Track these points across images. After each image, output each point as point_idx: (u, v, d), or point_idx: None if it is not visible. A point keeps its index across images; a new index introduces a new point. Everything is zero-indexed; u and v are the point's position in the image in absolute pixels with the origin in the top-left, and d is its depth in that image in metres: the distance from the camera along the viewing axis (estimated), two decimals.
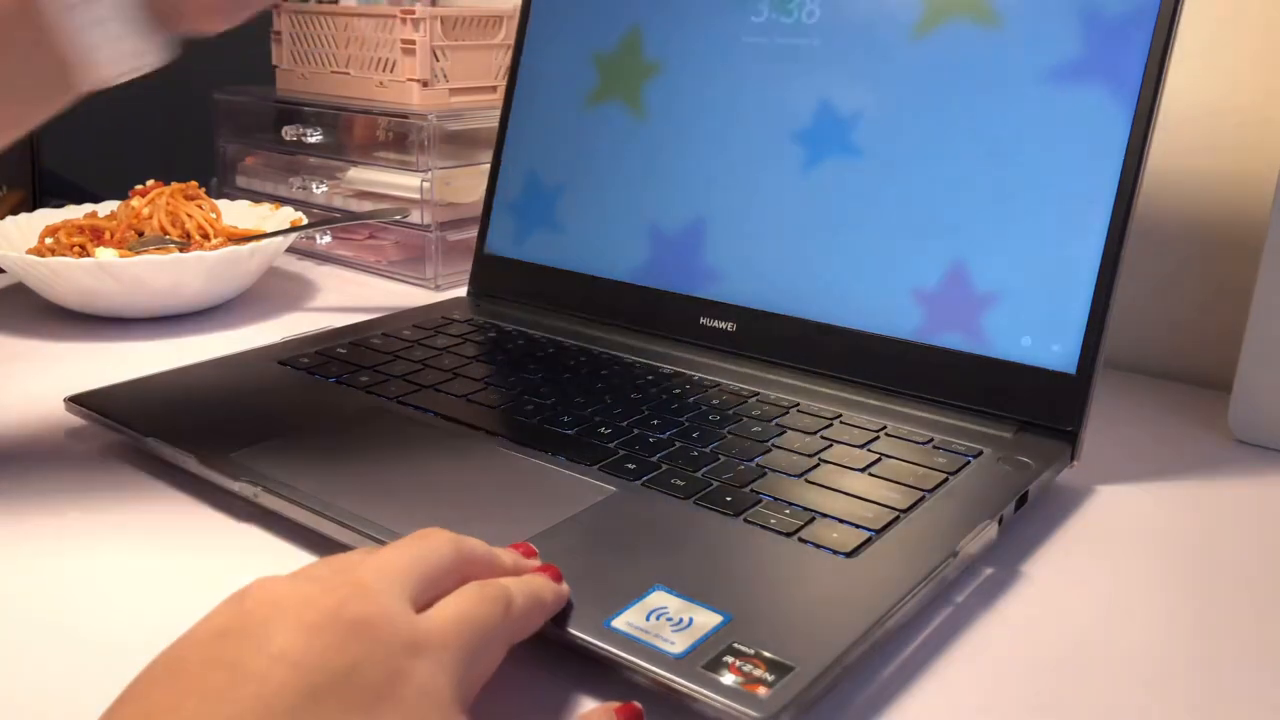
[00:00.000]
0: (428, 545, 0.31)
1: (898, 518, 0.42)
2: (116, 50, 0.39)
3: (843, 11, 0.57)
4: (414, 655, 0.27)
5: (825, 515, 0.42)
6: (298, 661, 0.25)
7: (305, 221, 0.81)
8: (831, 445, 0.48)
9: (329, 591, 0.27)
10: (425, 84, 0.87)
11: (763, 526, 0.41)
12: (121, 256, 0.70)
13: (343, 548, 0.41)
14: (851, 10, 0.57)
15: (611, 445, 0.48)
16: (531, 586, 0.33)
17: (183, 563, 0.42)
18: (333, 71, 0.93)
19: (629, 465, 0.46)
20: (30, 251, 0.74)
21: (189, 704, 0.24)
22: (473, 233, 0.74)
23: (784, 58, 0.59)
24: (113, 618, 0.38)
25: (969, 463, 0.47)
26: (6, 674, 0.35)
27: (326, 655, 0.25)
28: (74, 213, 0.80)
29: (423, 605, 0.29)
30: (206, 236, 0.78)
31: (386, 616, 0.27)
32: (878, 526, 0.41)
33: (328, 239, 0.90)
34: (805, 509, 0.42)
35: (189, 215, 0.79)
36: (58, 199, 0.86)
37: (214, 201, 0.82)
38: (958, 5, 0.54)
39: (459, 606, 0.29)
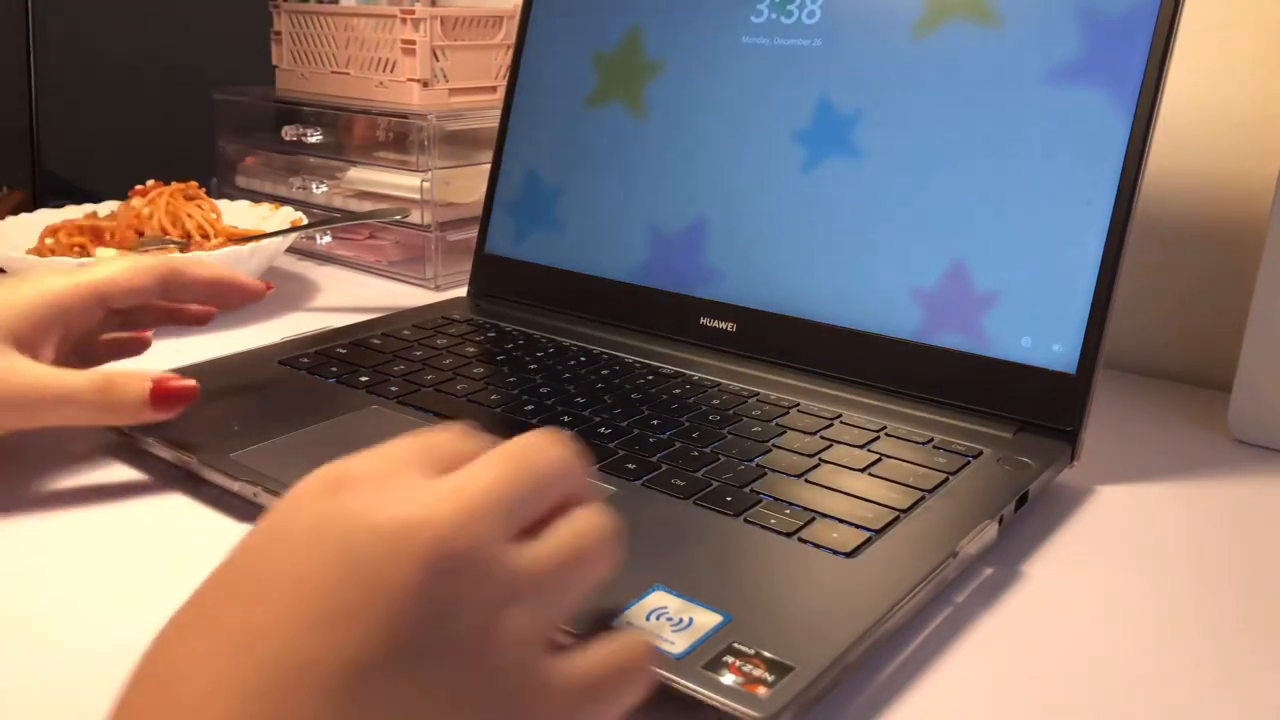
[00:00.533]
0: (545, 457, 0.27)
1: (898, 518, 0.42)
2: None
3: (843, 12, 0.57)
4: (512, 602, 0.24)
5: (825, 515, 0.42)
6: (388, 606, 0.22)
7: (305, 221, 0.81)
8: (831, 445, 0.48)
9: (431, 509, 0.24)
10: (425, 84, 0.87)
11: (763, 526, 0.41)
12: (122, 257, 0.70)
13: None
14: (851, 10, 0.57)
15: (611, 445, 0.48)
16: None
17: (183, 563, 0.42)
18: (333, 71, 0.93)
19: (629, 465, 0.46)
20: (30, 251, 0.74)
21: (292, 625, 0.22)
22: (473, 233, 0.74)
23: (784, 58, 0.59)
24: (113, 617, 0.38)
25: (969, 463, 0.47)
26: (5, 674, 0.35)
27: (422, 599, 0.23)
28: (74, 213, 0.80)
29: (528, 529, 0.26)
30: (206, 236, 0.78)
31: (490, 556, 0.24)
32: (878, 526, 0.41)
33: (328, 239, 0.90)
34: (805, 509, 0.42)
35: (189, 215, 0.79)
36: (58, 199, 0.86)
37: (214, 201, 0.82)
38: (958, 6, 0.54)
39: (572, 542, 0.26)
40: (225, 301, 0.53)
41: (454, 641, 0.23)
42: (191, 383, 0.45)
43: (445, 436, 0.28)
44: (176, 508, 0.46)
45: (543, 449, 0.28)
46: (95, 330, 0.50)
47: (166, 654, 0.23)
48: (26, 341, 0.45)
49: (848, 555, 0.39)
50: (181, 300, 0.52)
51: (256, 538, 0.25)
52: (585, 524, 0.27)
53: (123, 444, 0.51)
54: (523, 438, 0.28)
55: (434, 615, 0.23)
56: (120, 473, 0.49)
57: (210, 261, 0.51)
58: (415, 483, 0.25)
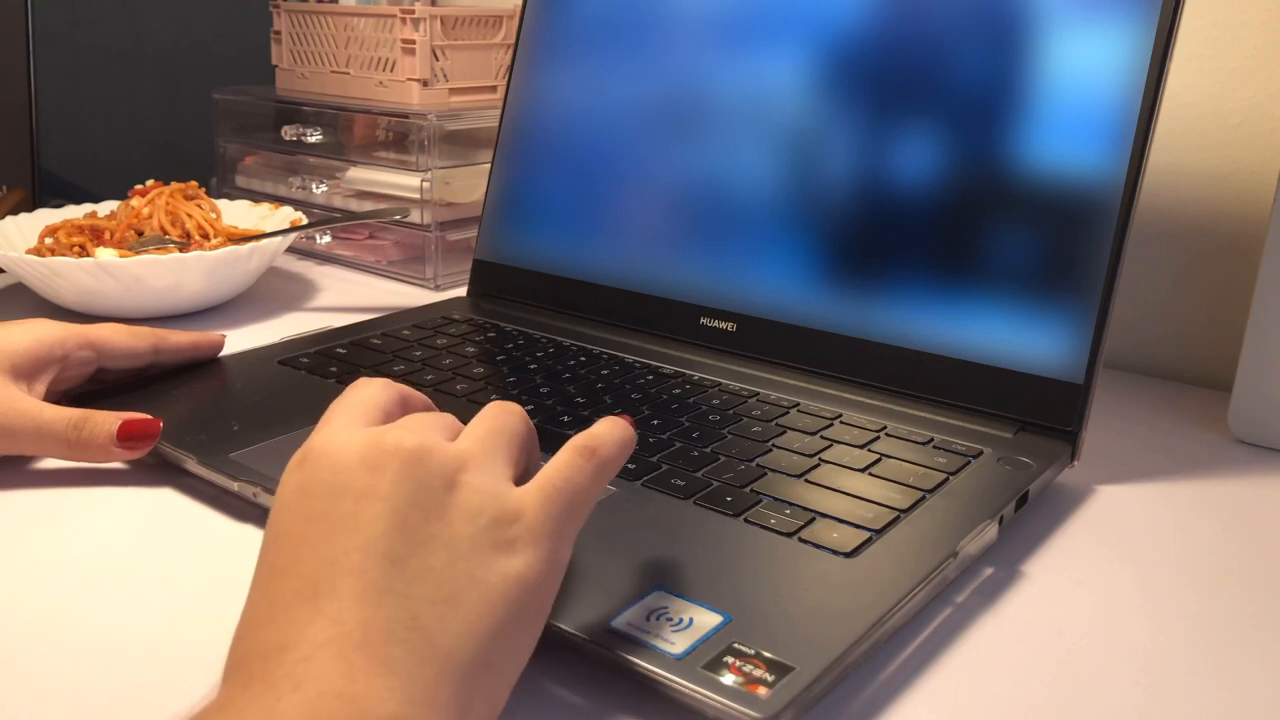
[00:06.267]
0: (442, 417, 0.35)
1: (898, 518, 0.42)
2: None
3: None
4: (463, 470, 0.31)
5: (825, 515, 0.42)
6: (381, 496, 0.30)
7: (305, 221, 0.81)
8: (831, 445, 0.48)
9: (381, 435, 0.31)
10: (425, 84, 0.87)
11: (763, 526, 0.41)
12: (121, 256, 0.70)
13: None
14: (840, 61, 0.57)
15: None
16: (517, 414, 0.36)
17: (182, 563, 0.42)
18: (333, 71, 0.93)
19: (629, 465, 0.46)
20: (30, 251, 0.74)
21: (309, 560, 0.29)
22: (472, 233, 0.74)
23: (779, 59, 0.59)
24: (113, 618, 0.38)
25: (969, 463, 0.47)
26: (5, 674, 0.35)
27: (398, 484, 0.30)
28: (74, 213, 0.80)
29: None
30: (206, 236, 0.78)
31: (433, 443, 0.31)
32: (878, 526, 0.41)
33: (328, 239, 0.90)
34: (805, 509, 0.42)
35: (189, 215, 0.79)
36: (58, 199, 0.86)
37: (214, 201, 0.82)
38: None
39: (481, 425, 0.34)
40: (198, 357, 0.58)
41: (434, 507, 0.30)
42: (156, 421, 0.47)
43: (368, 393, 0.35)
44: (176, 508, 0.46)
45: (443, 415, 0.35)
46: (85, 377, 0.53)
47: (262, 600, 0.29)
48: (24, 374, 0.49)
49: (848, 555, 0.39)
50: (165, 362, 0.56)
51: (272, 521, 0.31)
52: (490, 407, 0.35)
53: None
54: (425, 415, 0.35)
55: (411, 496, 0.30)
56: (120, 472, 0.49)
57: (184, 333, 0.57)
58: (365, 430, 0.32)
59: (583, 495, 0.33)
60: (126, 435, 0.46)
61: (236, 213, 0.85)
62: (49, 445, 0.47)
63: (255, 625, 0.28)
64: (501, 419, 0.34)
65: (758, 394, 0.54)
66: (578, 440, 0.34)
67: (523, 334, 0.64)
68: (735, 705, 0.30)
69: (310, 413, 0.51)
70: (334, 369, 0.57)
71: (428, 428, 0.33)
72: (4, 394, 0.47)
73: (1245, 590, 0.42)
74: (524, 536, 0.30)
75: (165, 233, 0.77)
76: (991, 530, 0.42)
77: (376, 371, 0.57)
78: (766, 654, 0.32)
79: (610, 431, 0.35)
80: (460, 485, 0.31)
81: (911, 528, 0.41)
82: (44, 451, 0.48)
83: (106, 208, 0.82)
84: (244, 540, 0.43)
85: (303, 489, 0.31)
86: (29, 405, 0.47)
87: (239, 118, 0.99)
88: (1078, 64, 0.50)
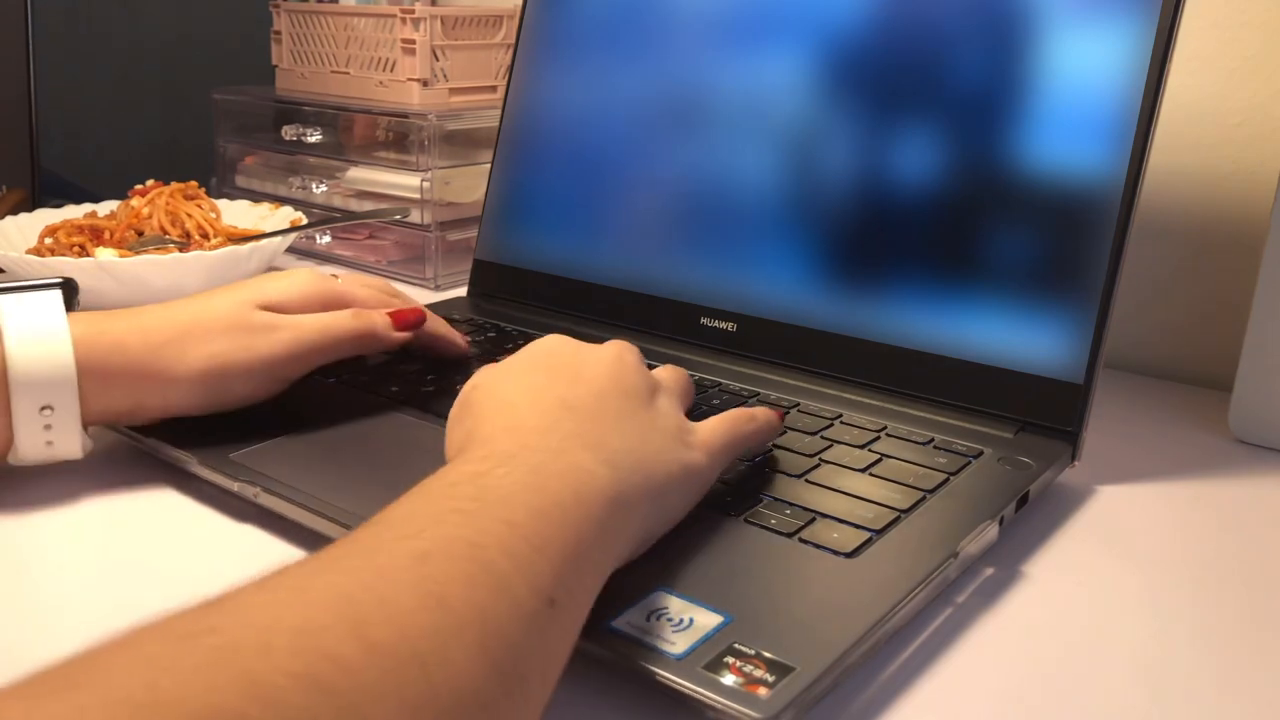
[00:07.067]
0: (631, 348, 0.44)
1: (898, 518, 0.42)
2: (39, 443, 0.45)
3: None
4: (659, 388, 0.42)
5: (825, 515, 0.42)
6: (611, 377, 0.40)
7: (305, 221, 0.81)
8: (832, 445, 0.48)
9: (608, 347, 0.43)
10: (425, 84, 0.87)
11: (763, 527, 0.41)
12: (121, 256, 0.70)
13: None
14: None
15: None
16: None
17: (182, 563, 0.42)
18: (333, 71, 0.93)
19: None
20: (30, 251, 0.75)
21: (556, 391, 0.38)
22: (473, 233, 0.74)
23: (779, 58, 0.59)
24: (112, 618, 0.38)
25: (970, 463, 0.47)
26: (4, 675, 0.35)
27: (622, 376, 0.40)
28: (74, 213, 0.80)
29: None
30: (206, 236, 0.78)
31: (643, 363, 0.43)
32: (878, 527, 0.41)
33: (328, 239, 0.90)
34: (805, 509, 0.42)
35: (189, 215, 0.79)
36: (58, 199, 0.86)
37: (214, 201, 0.82)
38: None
39: (670, 371, 0.45)
40: (438, 352, 0.58)
41: (641, 398, 0.40)
42: (417, 308, 0.55)
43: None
44: (176, 508, 0.46)
45: (630, 347, 0.45)
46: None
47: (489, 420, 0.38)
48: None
49: (848, 555, 0.39)
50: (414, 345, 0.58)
51: (517, 363, 0.41)
52: (673, 368, 0.46)
53: (122, 443, 0.51)
54: (610, 344, 0.45)
55: (628, 388, 0.40)
56: (120, 472, 0.49)
57: (442, 320, 0.58)
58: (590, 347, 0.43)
59: (741, 439, 0.42)
60: (398, 320, 0.54)
61: (236, 213, 0.85)
62: (340, 345, 0.51)
63: (508, 411, 0.37)
64: (684, 379, 0.46)
65: (758, 394, 0.54)
66: (744, 408, 0.44)
67: (523, 334, 0.64)
68: (735, 705, 0.30)
69: (311, 413, 0.51)
70: (334, 369, 0.57)
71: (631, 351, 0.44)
72: (292, 322, 0.50)
73: (1245, 590, 0.42)
74: (698, 444, 0.40)
75: (165, 233, 0.77)
76: (992, 530, 0.42)
77: (378, 372, 0.57)
78: (767, 654, 0.32)
79: (769, 413, 0.45)
80: (657, 398, 0.41)
81: (912, 528, 0.41)
82: (331, 356, 0.51)
83: (106, 208, 0.82)
84: (244, 540, 0.43)
85: (551, 350, 0.41)
86: (305, 321, 0.50)
87: (239, 118, 0.99)
88: (1078, 64, 0.50)
